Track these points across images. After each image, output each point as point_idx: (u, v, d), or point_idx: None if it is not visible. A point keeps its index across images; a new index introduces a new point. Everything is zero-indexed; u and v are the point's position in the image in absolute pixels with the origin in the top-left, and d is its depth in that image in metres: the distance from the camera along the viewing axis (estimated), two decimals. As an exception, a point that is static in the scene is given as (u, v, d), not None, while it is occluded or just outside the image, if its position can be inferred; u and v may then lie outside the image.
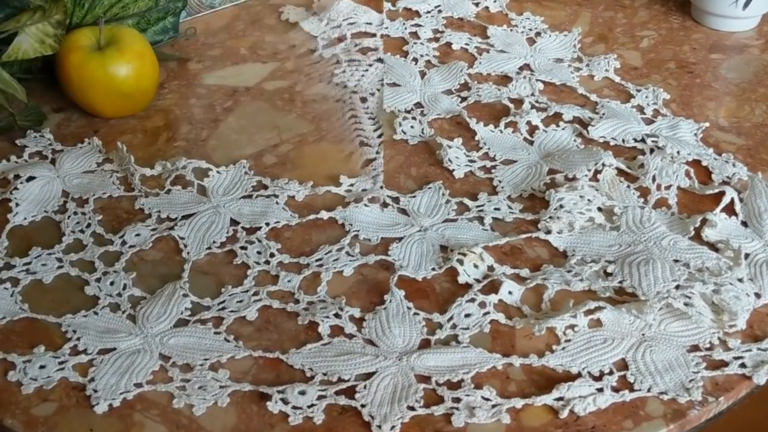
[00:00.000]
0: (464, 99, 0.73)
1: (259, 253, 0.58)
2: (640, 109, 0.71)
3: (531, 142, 0.68)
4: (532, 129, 0.69)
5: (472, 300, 0.53)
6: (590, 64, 0.77)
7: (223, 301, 0.54)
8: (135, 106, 0.72)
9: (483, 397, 0.47)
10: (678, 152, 0.64)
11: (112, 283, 0.56)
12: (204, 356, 0.50)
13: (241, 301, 0.54)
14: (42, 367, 0.50)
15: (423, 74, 0.77)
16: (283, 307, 0.53)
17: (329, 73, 0.78)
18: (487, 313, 0.52)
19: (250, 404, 0.48)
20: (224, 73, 0.78)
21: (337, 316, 0.52)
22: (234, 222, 0.60)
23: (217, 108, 0.74)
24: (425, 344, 0.51)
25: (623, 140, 0.67)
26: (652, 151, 0.65)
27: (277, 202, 0.62)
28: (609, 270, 0.55)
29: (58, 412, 0.47)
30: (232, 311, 0.53)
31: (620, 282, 0.54)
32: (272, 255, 0.57)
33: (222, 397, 0.48)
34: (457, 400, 0.47)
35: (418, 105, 0.73)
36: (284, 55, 0.81)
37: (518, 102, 0.72)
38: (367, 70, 0.77)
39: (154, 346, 0.51)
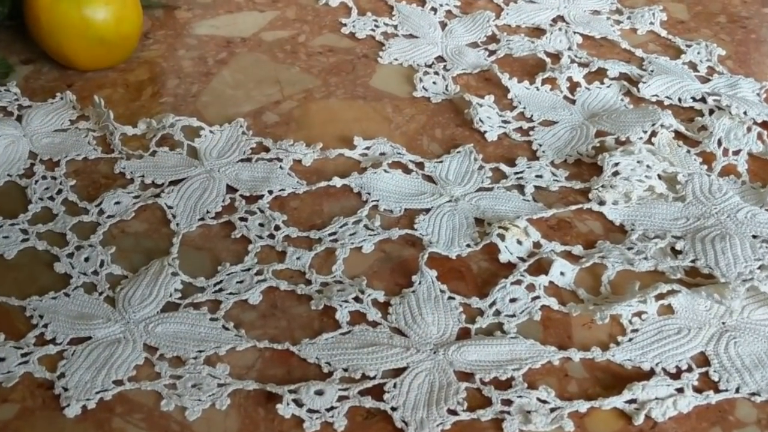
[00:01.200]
0: (492, 53, 0.64)
1: (261, 225, 0.49)
2: (693, 66, 0.63)
3: (572, 101, 0.59)
4: (573, 86, 0.60)
5: (518, 282, 0.44)
6: (632, 16, 0.69)
7: (220, 282, 0.45)
8: (115, 57, 0.63)
9: (539, 399, 0.39)
10: (745, 113, 0.56)
11: (86, 259, 0.47)
12: (198, 347, 0.41)
13: (241, 282, 0.45)
14: (1, 359, 0.41)
15: (444, 25, 0.68)
16: (292, 288, 0.45)
17: (337, 23, 0.68)
18: (537, 297, 0.44)
19: (255, 407, 0.39)
20: (217, 22, 0.69)
21: (357, 300, 0.44)
22: (231, 189, 0.51)
23: (210, 60, 0.64)
24: (464, 334, 0.42)
25: (679, 99, 0.58)
26: (712, 111, 0.57)
27: (281, 167, 0.53)
28: (677, 247, 0.47)
29: (20, 416, 0.39)
30: (231, 293, 0.44)
31: (692, 261, 0.46)
32: (277, 228, 0.49)
33: (221, 397, 0.39)
34: (508, 402, 0.39)
35: (440, 59, 0.64)
36: (284, 2, 0.71)
37: (555, 56, 0.63)
38: (378, 19, 0.68)
39: (137, 334, 0.42)
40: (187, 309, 0.43)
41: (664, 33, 0.67)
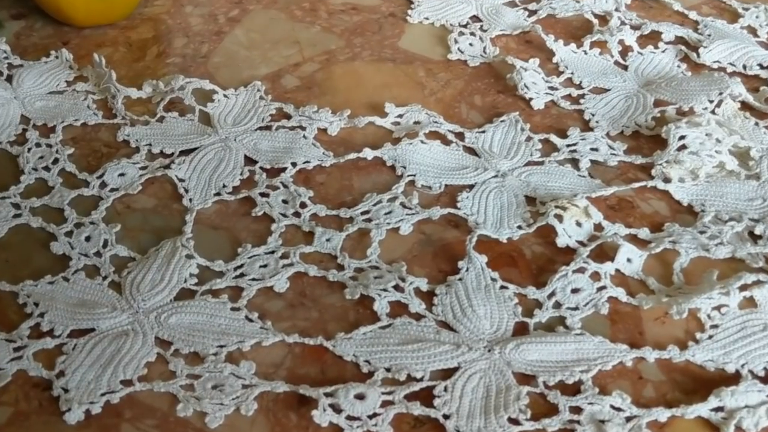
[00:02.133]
0: (533, 13, 0.58)
1: (285, 202, 0.43)
2: (752, 31, 0.57)
3: (624, 67, 0.53)
4: (625, 50, 0.54)
5: (581, 270, 0.39)
6: (683, -25, 0.63)
7: (241, 265, 0.40)
8: (115, 12, 0.56)
9: (613, 407, 0.34)
10: (820, 82, 0.50)
11: (88, 239, 0.41)
12: (218, 342, 0.36)
13: (265, 266, 0.40)
14: (-10, 354, 0.36)
15: (478, -18, 0.62)
16: (323, 274, 0.39)
17: (360, -21, 0.62)
18: (603, 287, 0.39)
19: (286, 412, 0.34)
20: (227, -24, 0.63)
21: (397, 288, 0.38)
22: (249, 161, 0.46)
23: (220, 18, 0.58)
24: (521, 329, 0.37)
25: (744, 66, 0.53)
26: (781, 80, 0.51)
27: (304, 136, 0.47)
28: (756, 231, 0.41)
29: (13, 422, 0.33)
30: (254, 279, 0.39)
31: (776, 247, 0.40)
32: (303, 205, 0.43)
33: (247, 401, 0.34)
34: (578, 410, 0.34)
35: (475, 19, 0.58)
36: (302, -44, 0.65)
37: (602, 18, 0.58)
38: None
39: (147, 326, 0.37)
40: (204, 297, 0.38)
41: (719, -6, 0.61)
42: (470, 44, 0.55)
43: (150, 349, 0.36)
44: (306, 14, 0.59)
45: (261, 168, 0.45)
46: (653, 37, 0.55)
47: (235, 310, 0.37)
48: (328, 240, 0.41)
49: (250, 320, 0.37)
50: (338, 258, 0.40)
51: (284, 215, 0.42)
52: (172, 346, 0.36)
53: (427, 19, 0.58)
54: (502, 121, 0.48)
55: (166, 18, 0.58)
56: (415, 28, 0.57)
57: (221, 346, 0.36)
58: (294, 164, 0.45)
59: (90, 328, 0.37)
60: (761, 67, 0.52)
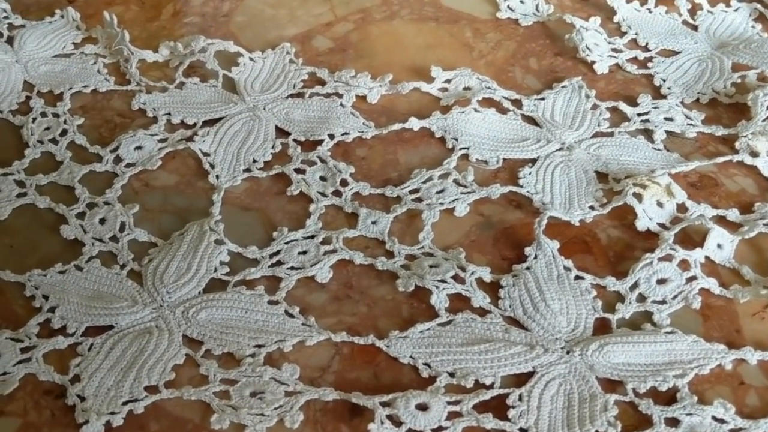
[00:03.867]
0: (588, -33, 0.53)
1: (323, 179, 0.38)
2: (833, -14, 0.51)
3: (694, 27, 0.48)
4: (694, 8, 0.49)
5: (668, 258, 0.34)
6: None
7: (278, 252, 0.35)
8: (126, -34, 0.51)
9: (715, 418, 0.29)
10: None
11: (102, 221, 0.36)
12: (256, 341, 0.31)
13: (304, 253, 0.35)
14: (-6, 355, 0.31)
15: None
16: (371, 263, 0.35)
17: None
18: (693, 278, 0.34)
19: (337, 424, 0.29)
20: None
21: (457, 279, 0.34)
22: (282, 132, 0.41)
23: (242, -27, 0.53)
24: (602, 327, 0.32)
25: (830, 25, 0.47)
26: None
27: (341, 105, 0.42)
28: None
29: (22, 435, 0.29)
30: (292, 268, 0.34)
31: None
32: (344, 183, 0.38)
33: (291, 411, 0.29)
34: (674, 422, 0.29)
35: (525, -26, 0.52)
36: None
37: (667, -27, 0.52)
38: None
39: (174, 323, 0.32)
40: (238, 288, 0.33)
41: (793, -54, 0.55)
42: (521, 1, 0.49)
43: (177, 350, 0.31)
44: (336, -31, 0.53)
45: (295, 140, 0.40)
46: (725, -5, 0.50)
47: (273, 303, 0.33)
48: (374, 223, 0.36)
49: (291, 316, 0.32)
50: (386, 243, 0.35)
51: (323, 194, 0.37)
52: (203, 347, 0.31)
53: (470, -27, 0.52)
54: (563, 87, 0.43)
55: (182, -27, 0.53)
56: (458, -17, 0.52)
57: (259, 346, 0.31)
58: (331, 136, 0.40)
59: (108, 325, 0.32)
60: None
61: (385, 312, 0.33)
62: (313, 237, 0.35)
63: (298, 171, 0.39)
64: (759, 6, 0.49)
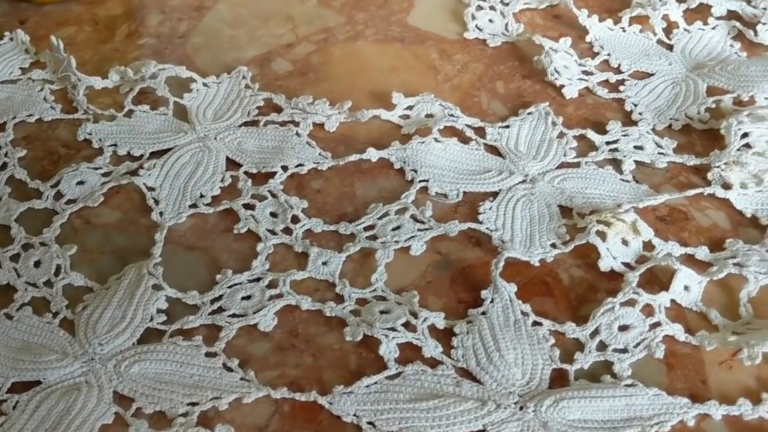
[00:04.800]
0: (561, -17, 0.51)
1: (274, 215, 0.36)
2: (816, 1, 0.49)
3: (670, 47, 0.46)
4: (670, 27, 0.47)
5: (631, 302, 0.32)
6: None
7: (220, 297, 0.33)
8: (80, -15, 0.49)
9: (675, 483, 0.28)
10: None
11: (37, 264, 0.34)
12: (190, 397, 0.29)
13: (248, 297, 0.33)
14: None
15: (497, -53, 0.54)
16: (319, 308, 0.33)
17: (362, -56, 0.55)
18: (657, 324, 0.32)
19: (272, 491, 0.28)
20: (211, -59, 0.55)
21: (408, 327, 0.32)
22: (233, 164, 0.39)
23: (202, -10, 0.51)
24: (560, 379, 0.31)
25: (810, 45, 0.45)
26: None
27: (297, 134, 0.40)
28: (839, 251, 0.35)
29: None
30: (234, 315, 0.32)
31: None
32: (295, 219, 0.36)
33: (223, 478, 0.28)
34: (632, 487, 0.28)
35: (496, -10, 0.51)
36: None
37: (642, -12, 0.50)
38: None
39: (105, 377, 0.30)
40: (174, 340, 0.31)
41: (775, -41, 0.53)
42: (490, 20, 0.48)
43: (107, 408, 0.29)
44: (300, -14, 0.51)
45: (246, 173, 0.38)
46: (702, 11, 0.48)
47: (211, 355, 0.31)
48: (324, 263, 0.34)
49: (229, 369, 0.31)
50: (337, 286, 0.34)
51: (272, 232, 0.36)
52: (133, 404, 0.29)
53: (439, -10, 0.50)
54: (529, 113, 0.41)
55: (140, -9, 0.51)
56: (427, 1, 0.50)
57: (193, 404, 0.29)
58: (285, 168, 0.38)
59: (35, 381, 0.30)
60: (830, 46, 0.45)
61: (331, 363, 0.31)
62: (258, 280, 0.34)
63: (247, 207, 0.37)
64: (737, 24, 0.47)
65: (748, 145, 0.38)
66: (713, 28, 0.47)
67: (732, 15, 0.48)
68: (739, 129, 0.38)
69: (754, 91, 0.41)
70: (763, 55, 0.44)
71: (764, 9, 0.48)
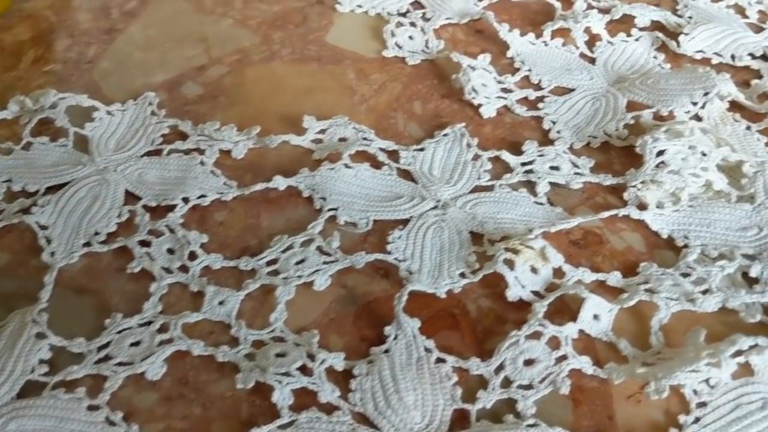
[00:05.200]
0: (484, -4, 0.50)
1: (171, 251, 0.35)
2: (740, 10, 0.49)
3: (592, 60, 0.45)
4: (593, 39, 0.46)
5: (536, 335, 0.31)
6: (660, -56, 0.54)
7: (107, 344, 0.31)
8: (-17, 9, 0.47)
9: None
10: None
11: None
12: (69, 455, 0.28)
13: (137, 344, 0.31)
14: None
15: (421, -40, 0.53)
16: (211, 353, 0.31)
17: (283, -41, 0.53)
18: (563, 357, 0.31)
19: None
20: (127, -40, 0.53)
21: (304, 371, 0.30)
22: (132, 197, 0.37)
23: (114, 13, 0.49)
24: (461, 420, 0.29)
25: (732, 57, 0.44)
26: (776, 71, 0.43)
27: (202, 162, 0.39)
28: (752, 273, 0.33)
29: None
30: (121, 364, 0.31)
31: (778, 296, 0.33)
32: (193, 256, 0.35)
33: None
34: None
35: (417, 5, 0.49)
36: (216, -67, 0.56)
37: (565, 2, 0.49)
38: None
39: (-21, 436, 0.29)
40: (55, 392, 0.30)
41: (702, -35, 0.52)
42: (410, 37, 0.46)
43: (-22, 471, 0.28)
44: (216, 4, 0.49)
45: (144, 207, 0.37)
46: (625, 22, 0.47)
47: (94, 409, 0.29)
48: (221, 303, 0.33)
49: (112, 423, 0.29)
50: (233, 328, 0.32)
51: (168, 270, 0.34)
52: (7, 466, 0.28)
53: (360, 6, 0.49)
54: (444, 135, 0.40)
55: (50, 14, 0.49)
56: (346, 18, 0.48)
57: (71, 463, 0.28)
58: (186, 200, 0.37)
59: None
60: (752, 57, 0.44)
61: (222, 413, 0.30)
62: (149, 324, 0.32)
63: (143, 243, 0.35)
64: (661, 35, 0.46)
65: (664, 164, 0.37)
66: (637, 40, 0.46)
67: (656, 25, 0.47)
68: (655, 147, 0.37)
69: (672, 105, 0.40)
70: (685, 67, 0.43)
71: (689, 18, 0.47)
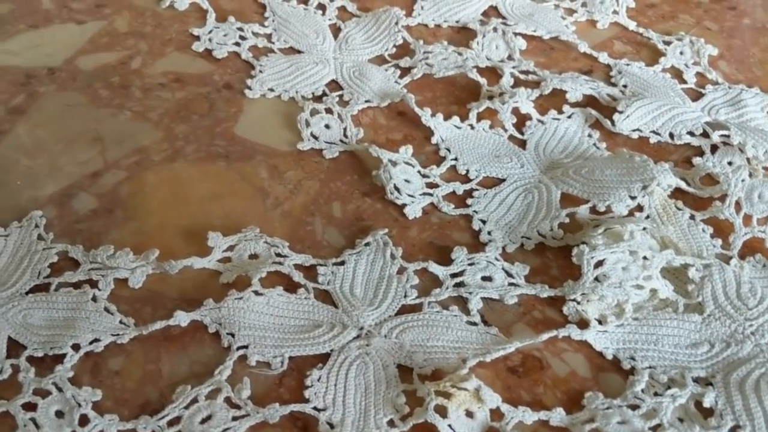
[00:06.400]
0: (406, 71, 0.46)
1: (60, 415, 0.30)
2: (677, 74, 0.46)
3: (522, 143, 0.42)
4: (522, 119, 0.43)
5: (473, 502, 0.28)
6: (588, 2, 0.51)
7: None
8: None
9: None
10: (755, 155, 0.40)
11: None
12: None
13: None
14: None
15: (337, 31, 0.49)
16: None
17: (187, 35, 0.49)
18: None
19: None
20: (14, 44, 0.48)
21: None
22: (16, 345, 0.33)
23: (-1, 109, 0.44)
24: None
25: (671, 135, 0.42)
26: (715, 148, 0.41)
27: (94, 298, 0.34)
28: (706, 402, 0.31)
29: None
30: None
31: (733, 429, 0.30)
32: (84, 420, 0.30)
33: None
34: None
35: (334, 85, 0.45)
36: (113, 7, 0.51)
37: (493, 73, 0.46)
38: (244, 27, 0.49)
39: None
40: None
41: (632, 25, 0.50)
42: (326, 126, 0.43)
43: None
44: (114, 94, 0.45)
45: (29, 359, 0.32)
46: (557, 97, 0.44)
47: None
48: (116, 482, 0.29)
49: None
50: None
51: (53, 444, 0.30)
52: None
53: (271, 90, 0.45)
54: (366, 245, 0.36)
55: (-77, 115, 0.44)
56: (257, 104, 0.44)
57: None
58: (76, 347, 0.32)
59: None
60: (692, 135, 0.42)
61: None
62: None
63: (27, 407, 0.31)
64: (594, 111, 0.43)
65: (604, 275, 0.34)
66: (569, 117, 0.43)
67: (589, 98, 0.44)
68: (592, 257, 0.34)
69: (610, 200, 0.37)
70: (621, 154, 0.40)
71: (624, 87, 0.45)
